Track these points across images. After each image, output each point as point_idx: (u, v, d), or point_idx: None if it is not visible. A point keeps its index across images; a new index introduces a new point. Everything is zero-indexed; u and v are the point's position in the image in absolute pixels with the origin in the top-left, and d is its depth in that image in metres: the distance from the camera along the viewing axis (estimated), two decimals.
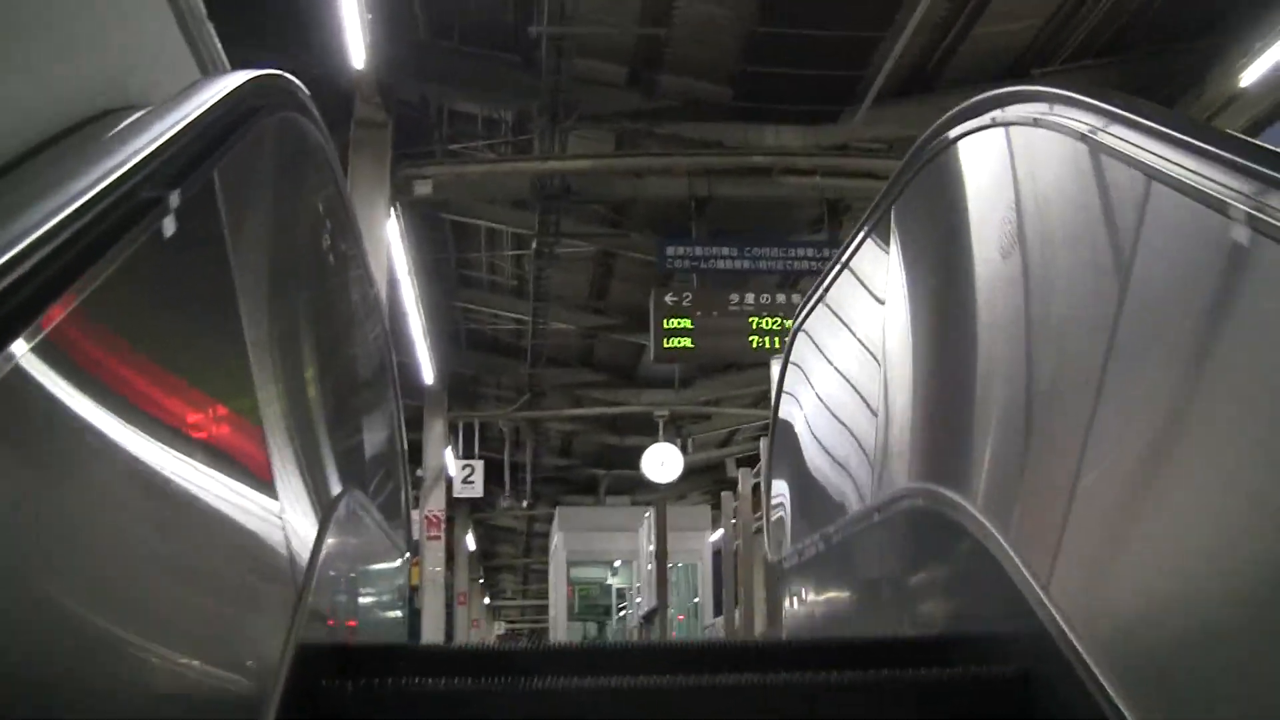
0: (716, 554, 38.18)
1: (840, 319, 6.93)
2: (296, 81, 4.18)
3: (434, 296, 24.52)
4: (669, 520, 34.23)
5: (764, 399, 32.72)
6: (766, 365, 27.04)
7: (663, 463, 28.91)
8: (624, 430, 33.60)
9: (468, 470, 29.22)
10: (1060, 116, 3.81)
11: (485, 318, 27.21)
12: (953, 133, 4.92)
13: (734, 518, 14.07)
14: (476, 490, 29.46)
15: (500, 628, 77.16)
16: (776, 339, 18.40)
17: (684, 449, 31.21)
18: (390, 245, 18.05)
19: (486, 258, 24.48)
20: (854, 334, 6.64)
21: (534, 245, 20.94)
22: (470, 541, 43.28)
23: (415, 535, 31.82)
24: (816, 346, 7.64)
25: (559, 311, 25.36)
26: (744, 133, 17.72)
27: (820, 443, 7.38)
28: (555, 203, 19.43)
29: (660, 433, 29.43)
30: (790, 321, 18.87)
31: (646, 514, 25.81)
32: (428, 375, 26.01)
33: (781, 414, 8.55)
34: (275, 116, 3.84)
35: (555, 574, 37.20)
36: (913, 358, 5.50)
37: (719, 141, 17.85)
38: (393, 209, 17.40)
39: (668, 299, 18.37)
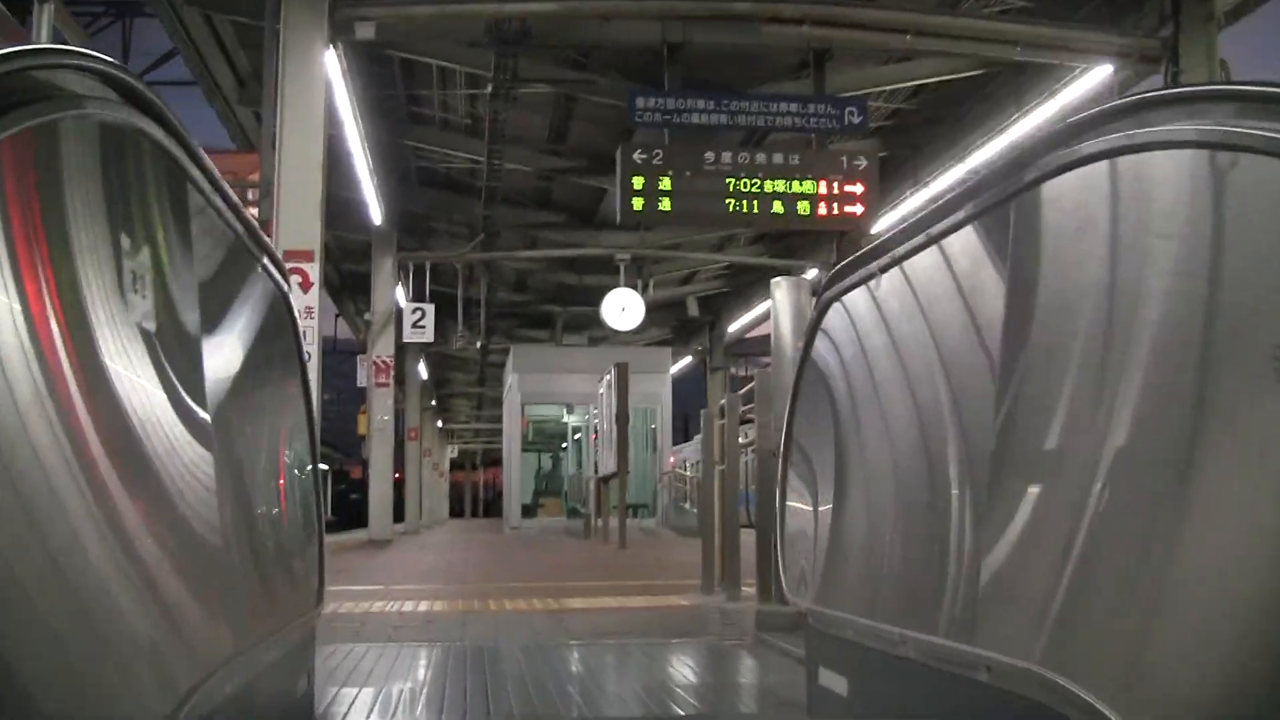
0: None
1: (922, 315, 4.79)
2: None
3: (381, 134, 22.58)
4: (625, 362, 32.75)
5: (729, 242, 31.02)
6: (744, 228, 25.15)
7: (623, 308, 27.12)
8: (582, 270, 31.78)
9: (418, 314, 27.36)
10: None
11: (438, 156, 25.21)
12: (1113, 140, 3.05)
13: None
14: (427, 335, 27.63)
15: (454, 451, 76.26)
16: (755, 203, 16.58)
17: (644, 290, 29.44)
18: (330, 84, 16.35)
19: (439, 96, 22.42)
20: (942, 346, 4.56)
21: (489, 89, 18.91)
22: (422, 370, 41.64)
23: (362, 382, 30.13)
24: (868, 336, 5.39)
25: (516, 152, 23.39)
26: None
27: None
28: (513, 47, 17.40)
29: (621, 277, 27.59)
30: (773, 183, 17.22)
31: (606, 376, 24.08)
32: (375, 214, 24.13)
33: (804, 421, 6.13)
34: None
35: (510, 413, 35.57)
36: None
37: None
38: (333, 47, 15.49)
39: (636, 156, 16.45)
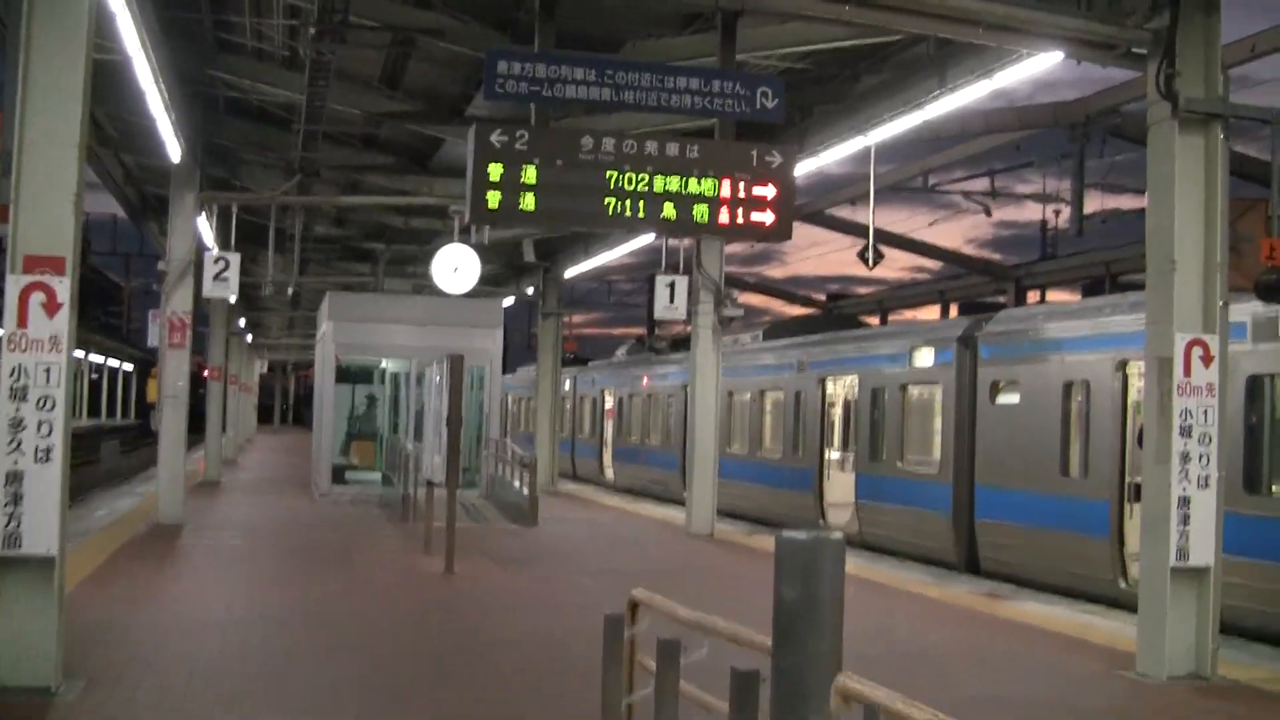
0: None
1: None
2: None
3: (182, 62, 18.31)
4: (452, 314, 28.77)
5: None
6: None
7: (456, 268, 23.13)
8: (410, 212, 27.63)
9: (221, 264, 22.99)
10: None
11: (249, 88, 20.85)
12: None
13: None
14: (230, 290, 23.27)
15: (263, 366, 71.71)
16: (642, 204, 12.75)
17: (478, 234, 25.46)
18: (108, 12, 12.80)
19: (251, 24, 18.13)
20: None
21: (311, 29, 14.73)
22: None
23: (153, 341, 25.73)
24: None
25: (342, 93, 19.17)
26: None
27: None
28: None
29: (455, 231, 23.56)
30: (665, 180, 13.38)
31: (438, 365, 19.92)
32: (173, 150, 19.84)
33: None
34: None
35: (322, 363, 31.30)
36: None
37: None
38: None
39: (494, 138, 12.47)
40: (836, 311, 38.81)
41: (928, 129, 19.53)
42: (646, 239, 27.45)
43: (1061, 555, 18.09)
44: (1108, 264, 32.62)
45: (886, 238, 33.43)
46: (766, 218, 13.01)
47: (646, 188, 12.73)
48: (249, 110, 22.72)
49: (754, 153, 13.07)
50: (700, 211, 12.87)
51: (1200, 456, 11.92)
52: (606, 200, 12.70)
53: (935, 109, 16.82)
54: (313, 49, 15.62)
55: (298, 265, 30.19)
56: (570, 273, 35.02)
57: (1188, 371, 11.96)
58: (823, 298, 44.82)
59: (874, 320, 38.08)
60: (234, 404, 46.80)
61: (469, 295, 25.15)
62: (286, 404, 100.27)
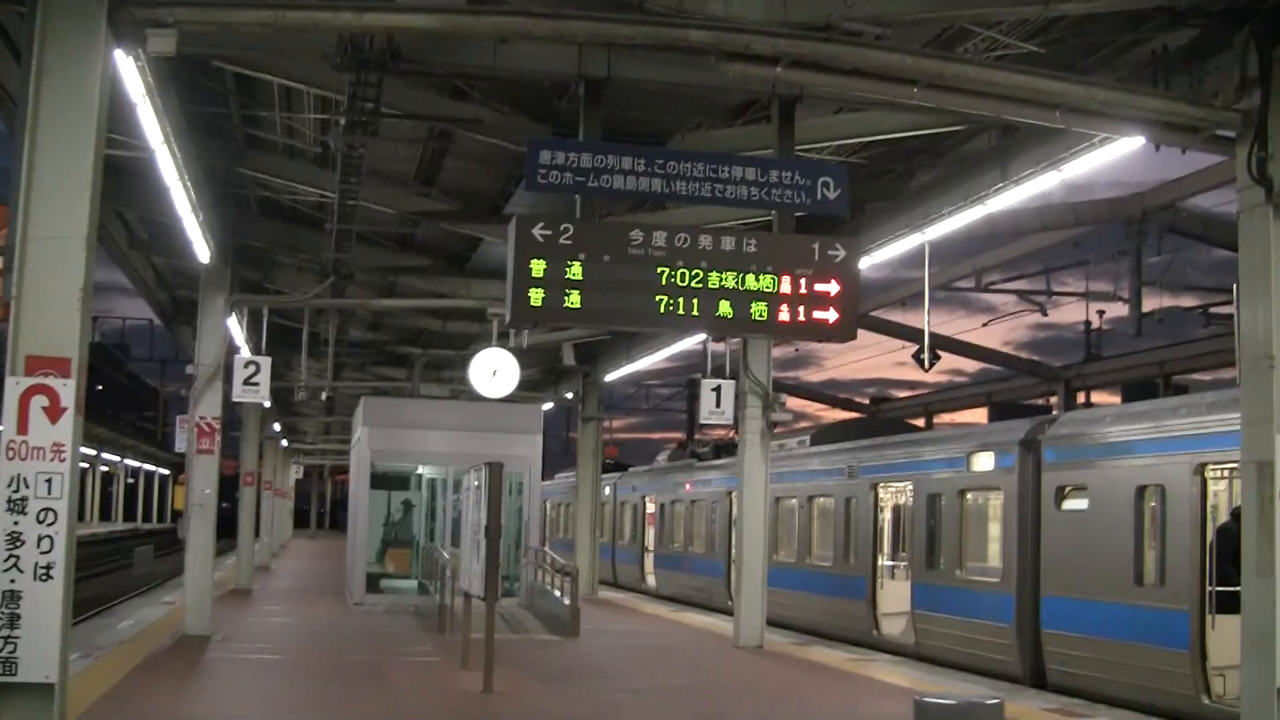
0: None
1: None
2: None
3: (213, 158, 17.52)
4: (491, 420, 27.79)
5: None
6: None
7: (495, 371, 22.19)
8: (447, 315, 26.77)
9: (251, 369, 22.06)
10: None
11: (281, 186, 20.04)
12: None
13: None
14: (261, 395, 22.30)
15: (299, 470, 70.93)
16: (696, 301, 11.78)
17: (517, 338, 24.54)
18: (137, 106, 12.02)
19: (282, 119, 17.34)
20: None
21: (341, 122, 13.87)
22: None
23: (180, 446, 24.82)
24: None
25: (375, 190, 18.38)
26: None
27: None
28: (375, 70, 12.38)
29: (493, 333, 22.63)
30: (720, 276, 12.40)
31: (477, 473, 18.82)
32: (201, 250, 19.00)
33: None
34: None
35: (358, 469, 30.25)
36: None
37: (639, 1, 10.93)
38: (134, 57, 10.59)
39: (537, 232, 11.55)
40: (880, 415, 37.79)
41: (983, 226, 18.66)
42: (691, 340, 26.51)
43: (1136, 668, 16.89)
44: (1161, 364, 31.61)
45: (933, 339, 32.55)
46: (829, 315, 12.04)
47: (700, 284, 11.80)
48: (281, 210, 21.97)
49: (815, 246, 12.11)
50: (759, 309, 11.91)
51: None
52: (658, 298, 11.76)
53: (997, 203, 15.87)
54: (343, 143, 14.80)
55: (332, 370, 29.33)
56: (610, 376, 34.04)
57: None
58: (864, 402, 43.95)
59: (919, 423, 37.12)
60: (268, 508, 45.89)
61: (507, 400, 24.26)
62: (323, 508, 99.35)
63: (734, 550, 30.45)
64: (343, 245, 20.32)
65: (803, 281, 11.97)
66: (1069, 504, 18.77)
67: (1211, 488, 16.21)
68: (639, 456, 53.43)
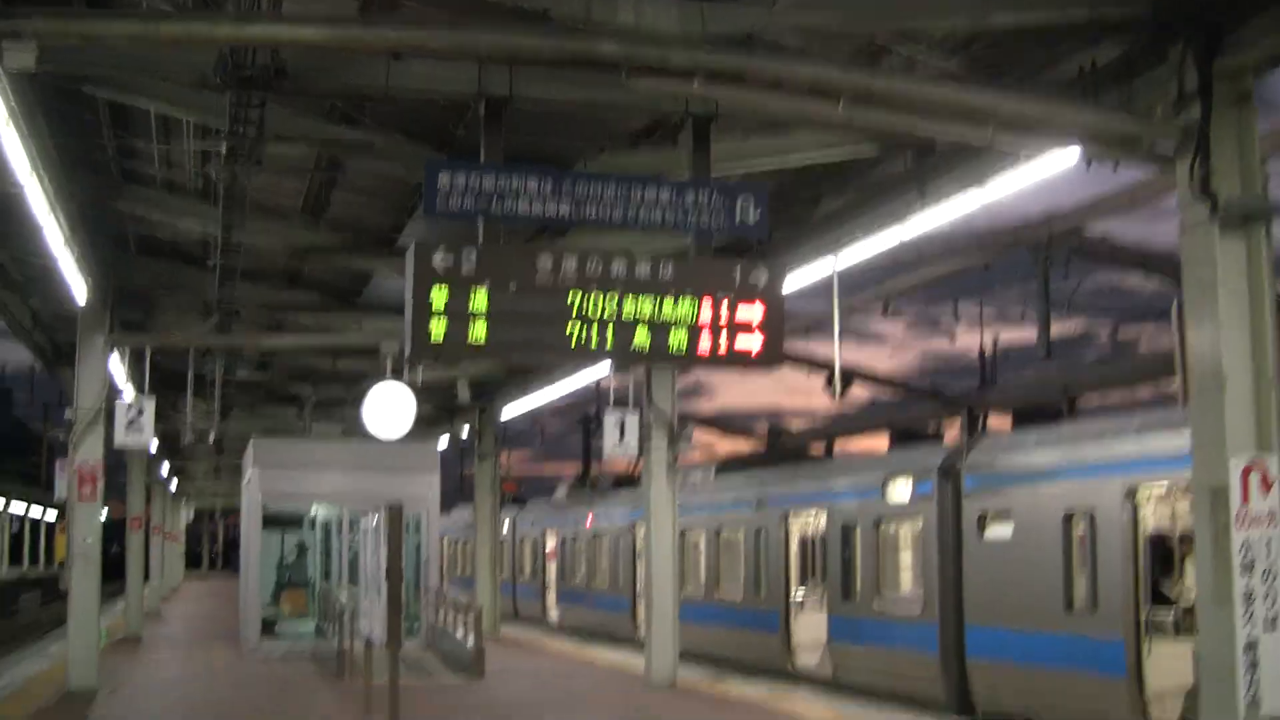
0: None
1: None
2: None
3: (87, 194, 16.39)
4: (386, 461, 26.74)
5: None
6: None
7: (390, 410, 21.07)
8: (338, 354, 25.68)
9: (134, 411, 20.84)
10: None
11: (160, 223, 18.89)
12: None
13: None
14: (144, 438, 21.05)
15: (189, 514, 69.19)
16: (610, 331, 10.90)
17: (410, 373, 23.52)
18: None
19: (160, 150, 16.24)
20: None
21: (223, 149, 12.83)
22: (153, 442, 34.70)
23: (61, 493, 23.53)
24: None
25: (260, 225, 17.30)
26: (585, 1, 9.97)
27: None
28: (259, 91, 11.38)
29: (387, 370, 21.55)
30: (636, 302, 11.50)
31: (373, 516, 17.67)
32: (78, 292, 17.86)
33: None
34: None
35: (249, 513, 28.95)
36: None
37: (543, 11, 10.01)
38: None
39: (437, 260, 10.61)
40: (781, 445, 37.12)
41: (886, 256, 17.98)
42: (594, 372, 25.66)
43: (1070, 694, 16.27)
44: (1065, 386, 31.15)
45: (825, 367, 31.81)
46: (754, 343, 11.20)
47: (614, 313, 10.89)
48: (162, 248, 20.81)
49: (736, 270, 11.26)
50: (677, 339, 11.05)
51: (1266, 595, 10.14)
52: (569, 328, 10.85)
53: (915, 224, 15.10)
54: (225, 173, 13.75)
55: (219, 411, 28.04)
56: (506, 413, 33.02)
57: (1245, 499, 10.20)
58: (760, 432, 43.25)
59: (819, 452, 36.42)
60: (158, 552, 44.40)
61: (401, 440, 23.25)
62: (215, 549, 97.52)
63: (639, 584, 29.82)
64: (227, 283, 19.20)
65: (724, 306, 11.12)
66: (992, 531, 18.10)
67: (1143, 511, 15.62)
68: (535, 491, 52.40)
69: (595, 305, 10.86)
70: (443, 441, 35.09)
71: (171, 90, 13.08)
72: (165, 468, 46.16)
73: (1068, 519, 16.62)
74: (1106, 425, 17.03)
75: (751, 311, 11.21)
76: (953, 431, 29.64)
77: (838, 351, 20.33)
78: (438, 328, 10.61)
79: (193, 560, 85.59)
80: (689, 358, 11.11)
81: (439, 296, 10.60)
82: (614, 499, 34.09)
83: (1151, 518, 16.14)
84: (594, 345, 10.86)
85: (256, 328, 23.37)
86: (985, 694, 17.93)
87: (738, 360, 11.23)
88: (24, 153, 11.98)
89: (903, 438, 24.66)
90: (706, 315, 11.08)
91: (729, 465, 28.45)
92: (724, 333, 11.14)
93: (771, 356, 11.30)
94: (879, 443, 37.33)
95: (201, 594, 57.22)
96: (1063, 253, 23.03)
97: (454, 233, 11.73)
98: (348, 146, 13.95)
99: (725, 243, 13.16)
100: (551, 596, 38.29)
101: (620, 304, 10.90)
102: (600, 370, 24.94)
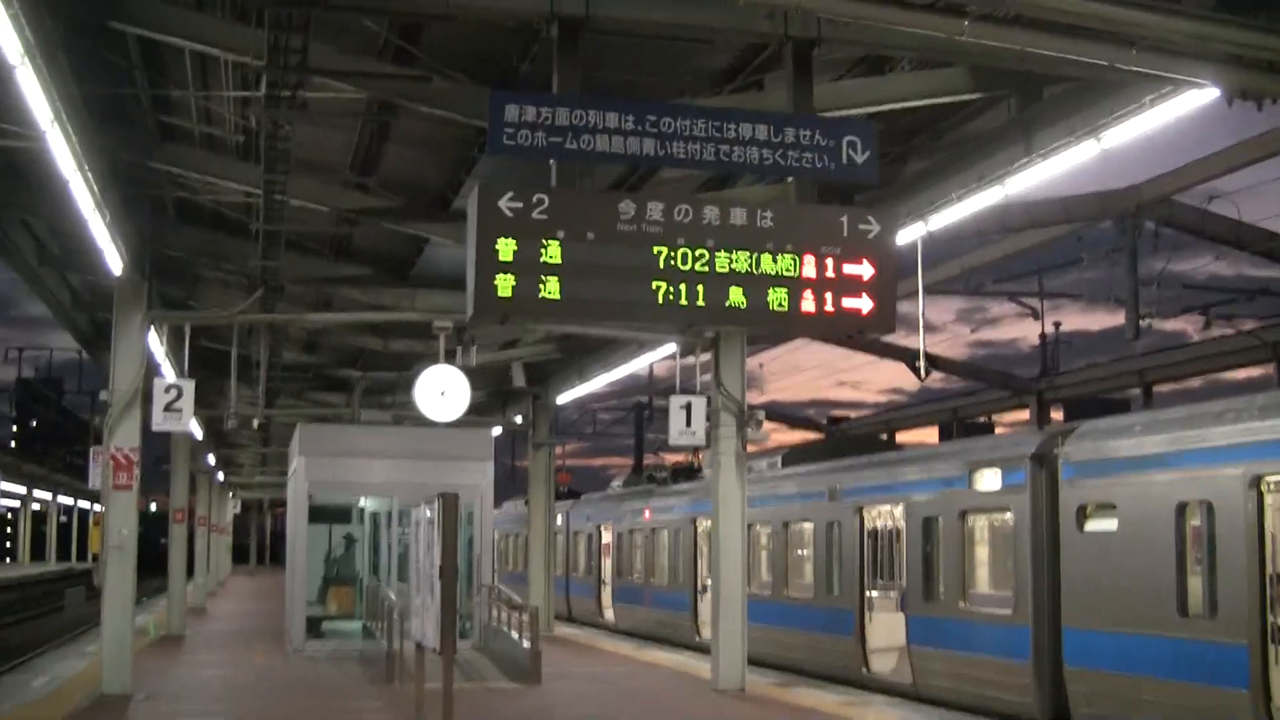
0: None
1: None
2: None
3: (120, 150, 15.03)
4: (438, 449, 25.43)
5: None
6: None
7: (443, 391, 19.67)
8: (388, 334, 24.31)
9: (173, 393, 19.46)
10: None
11: (201, 184, 17.50)
12: None
13: None
14: (182, 422, 19.62)
15: (237, 506, 68.25)
16: (701, 288, 9.44)
17: (464, 356, 22.16)
18: (16, 69, 9.76)
19: (198, 101, 14.86)
20: None
21: (262, 84, 11.42)
22: (195, 427, 33.48)
23: (95, 483, 22.23)
24: None
25: (305, 184, 15.91)
26: None
27: None
28: (297, 12, 9.96)
29: (440, 350, 20.16)
30: (730, 256, 9.92)
31: (424, 508, 16.16)
32: (113, 261, 16.45)
33: None
34: None
35: (295, 503, 27.57)
36: None
37: None
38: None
39: (505, 203, 9.18)
40: (839, 434, 35.58)
41: (970, 224, 16.47)
42: (646, 358, 24.21)
43: (1182, 709, 14.65)
44: (1140, 373, 29.51)
45: (895, 351, 30.47)
46: (863, 304, 9.73)
47: (706, 267, 9.43)
48: (202, 214, 19.47)
49: (844, 220, 9.78)
50: (777, 297, 9.59)
51: None
52: (655, 285, 9.40)
53: (1020, 181, 13.59)
54: (267, 118, 12.34)
55: (264, 395, 26.79)
56: (562, 398, 31.59)
57: None
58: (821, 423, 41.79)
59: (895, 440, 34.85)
60: (203, 546, 43.24)
61: (453, 425, 21.91)
62: (263, 542, 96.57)
63: (701, 581, 28.34)
64: (271, 252, 17.81)
65: (829, 262, 9.65)
66: (1093, 524, 16.50)
67: (1269, 501, 13.99)
68: (588, 484, 51.05)
69: (684, 259, 9.40)
70: (497, 430, 33.67)
71: (207, 25, 11.72)
72: (211, 458, 44.93)
73: (1181, 511, 15.02)
74: (1226, 407, 15.37)
75: (860, 268, 9.73)
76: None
77: (922, 328, 18.88)
78: (505, 283, 9.20)
79: (240, 554, 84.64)
80: (791, 319, 9.64)
81: (506, 247, 9.19)
82: (674, 491, 32.59)
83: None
84: (683, 303, 9.41)
85: (303, 304, 22.02)
86: (1084, 707, 16.30)
87: (846, 324, 9.77)
88: (44, 98, 10.63)
89: (965, 430, 23.11)
90: (811, 270, 9.62)
91: (797, 454, 26.86)
92: (830, 292, 9.67)
93: (883, 320, 9.82)
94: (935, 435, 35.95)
95: (249, 589, 56.12)
96: (1152, 224, 21.54)
97: (522, 180, 10.27)
98: (400, 88, 12.46)
99: (828, 191, 11.67)
100: (607, 595, 36.77)
101: (713, 257, 9.44)
102: (657, 354, 23.57)
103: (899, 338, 21.78)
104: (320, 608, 30.96)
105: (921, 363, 19.07)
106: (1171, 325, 23.00)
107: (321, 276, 20.90)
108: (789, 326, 9.89)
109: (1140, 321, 22.17)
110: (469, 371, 20.50)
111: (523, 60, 12.23)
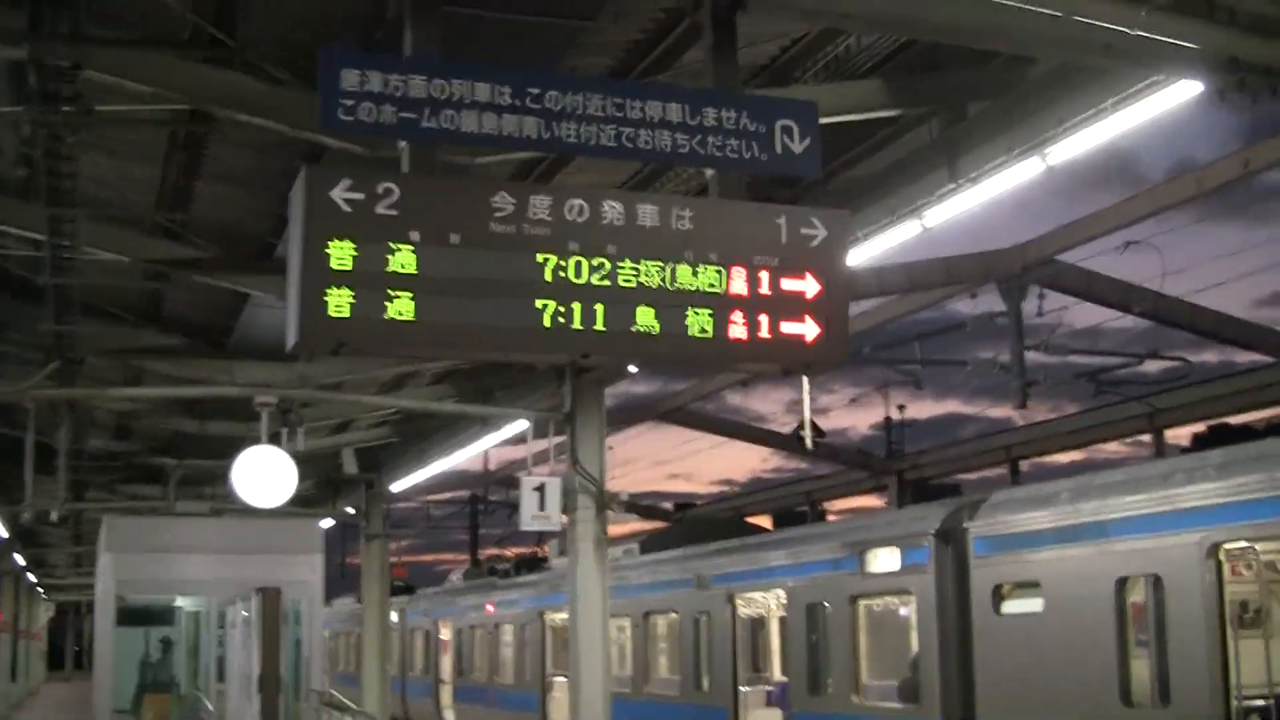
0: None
1: None
2: None
3: None
4: (262, 541, 22.74)
5: (407, 378, 21.25)
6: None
7: (266, 477, 17.07)
8: (206, 414, 21.56)
9: None
10: None
11: None
12: None
13: None
14: None
15: (51, 609, 64.72)
16: (600, 309, 7.07)
17: (291, 438, 19.49)
18: None
19: None
20: None
21: (33, 83, 8.85)
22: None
23: None
24: None
25: (102, 230, 13.24)
26: None
27: None
28: None
29: (263, 429, 17.54)
30: (639, 269, 7.33)
31: (243, 607, 13.51)
32: None
33: None
34: None
35: (102, 604, 24.50)
36: None
37: None
38: None
39: (339, 194, 6.76)
40: (693, 519, 33.43)
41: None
42: (501, 434, 21.81)
43: None
44: (1008, 448, 27.93)
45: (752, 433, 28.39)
46: (806, 329, 7.43)
47: (607, 280, 7.07)
48: None
49: (781, 223, 7.49)
50: (698, 321, 7.24)
51: None
52: (539, 303, 6.99)
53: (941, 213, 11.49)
54: (43, 138, 9.76)
55: (67, 485, 23.72)
56: (398, 486, 28.90)
57: None
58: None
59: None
60: (10, 655, 39.67)
61: (279, 516, 19.37)
62: (80, 648, 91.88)
63: (549, 679, 25.97)
64: (65, 315, 15.07)
65: (764, 276, 7.35)
66: (1013, 605, 14.38)
67: (1230, 573, 12.01)
68: (424, 579, 48.40)
69: (579, 269, 7.04)
70: (327, 521, 30.86)
71: None
72: (19, 558, 41.32)
73: (1121, 586, 12.95)
74: (1172, 468, 13.35)
75: (804, 283, 7.45)
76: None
77: (806, 395, 16.83)
78: (339, 300, 6.74)
79: (57, 660, 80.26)
80: (718, 348, 7.29)
81: (342, 252, 6.73)
82: (517, 583, 30.10)
83: (1237, 587, 12.48)
84: (578, 326, 7.02)
85: (108, 381, 19.19)
86: None
87: (786, 354, 7.45)
88: None
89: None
90: (741, 286, 7.31)
91: (656, 540, 24.51)
92: (764, 314, 7.36)
93: (833, 350, 7.53)
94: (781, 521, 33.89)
95: (62, 697, 52.27)
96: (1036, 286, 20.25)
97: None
98: (209, 94, 9.89)
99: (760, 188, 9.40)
100: (446, 695, 34.02)
101: (615, 268, 7.09)
102: (503, 433, 21.38)
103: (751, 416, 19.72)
104: (134, 718, 27.92)
105: (807, 432, 17.00)
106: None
107: (127, 347, 18.12)
108: (715, 358, 7.57)
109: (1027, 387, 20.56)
110: (296, 456, 17.93)
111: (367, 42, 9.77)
